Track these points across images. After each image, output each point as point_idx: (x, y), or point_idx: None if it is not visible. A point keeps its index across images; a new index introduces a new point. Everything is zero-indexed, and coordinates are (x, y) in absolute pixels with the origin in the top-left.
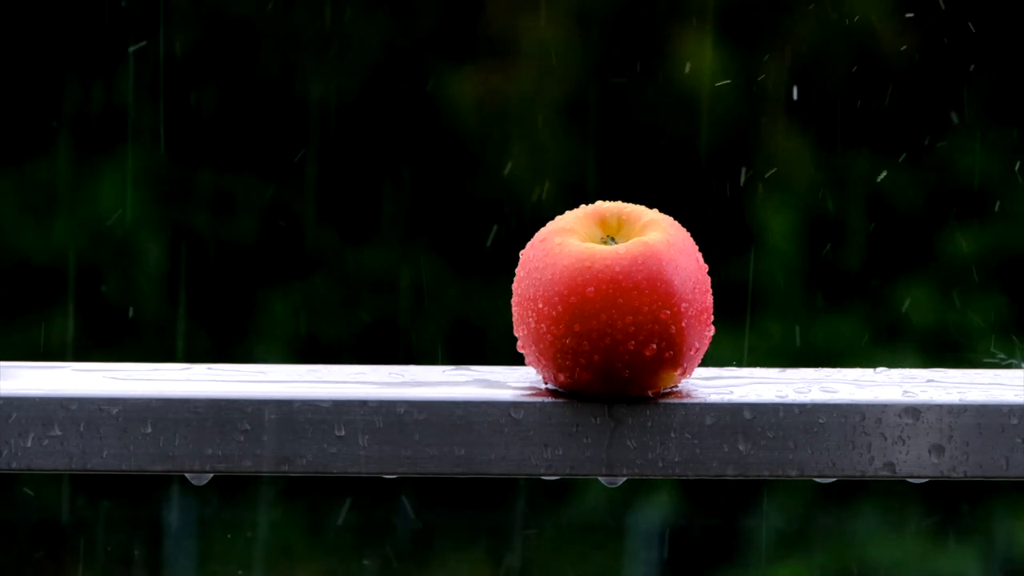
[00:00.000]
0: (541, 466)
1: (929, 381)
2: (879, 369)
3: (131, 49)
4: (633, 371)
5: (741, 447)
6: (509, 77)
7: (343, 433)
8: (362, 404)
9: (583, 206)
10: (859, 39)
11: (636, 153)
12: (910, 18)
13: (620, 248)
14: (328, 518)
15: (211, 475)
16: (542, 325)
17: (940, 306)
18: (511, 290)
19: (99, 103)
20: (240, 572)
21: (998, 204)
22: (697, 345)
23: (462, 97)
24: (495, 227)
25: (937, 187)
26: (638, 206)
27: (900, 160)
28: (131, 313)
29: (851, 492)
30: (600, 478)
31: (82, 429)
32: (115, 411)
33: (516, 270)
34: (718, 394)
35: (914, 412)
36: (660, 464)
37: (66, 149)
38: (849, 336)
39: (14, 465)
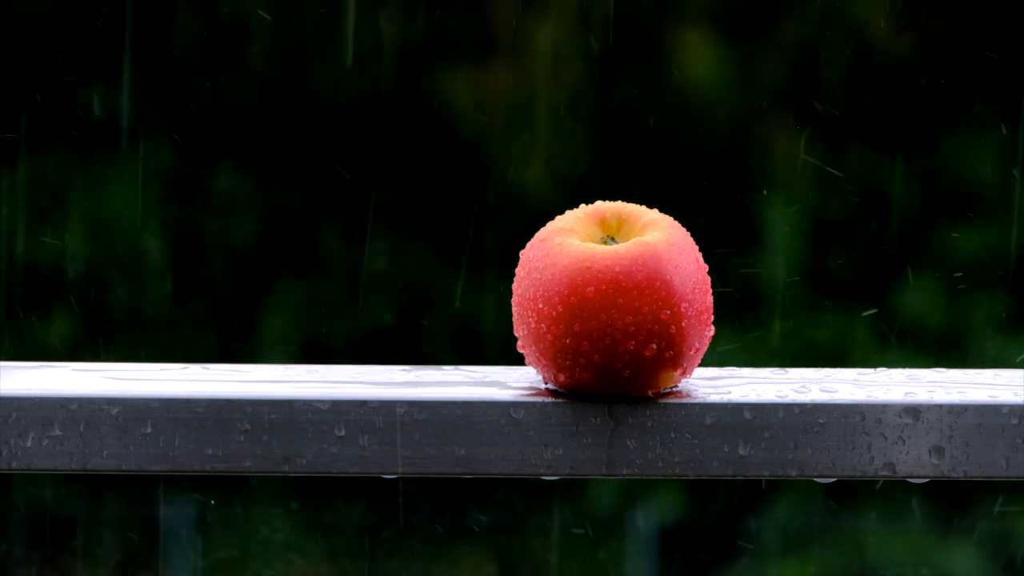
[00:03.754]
0: (541, 466)
1: (929, 381)
2: (879, 369)
3: (135, 49)
4: (633, 371)
5: (741, 447)
6: (509, 77)
7: (343, 433)
8: (362, 404)
9: (583, 206)
10: (860, 37)
11: (636, 153)
12: (911, 16)
13: (620, 248)
14: (328, 518)
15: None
16: (542, 325)
17: (940, 306)
18: (511, 290)
19: (103, 103)
20: (240, 572)
21: (999, 204)
22: (697, 345)
23: (462, 97)
24: (495, 227)
25: (938, 186)
26: (638, 206)
27: (901, 159)
28: (132, 313)
29: (852, 491)
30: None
31: (82, 429)
32: (115, 411)
33: (516, 270)
34: (718, 394)
35: (914, 412)
36: (660, 464)
37: (70, 149)
38: (849, 336)
39: (14, 465)
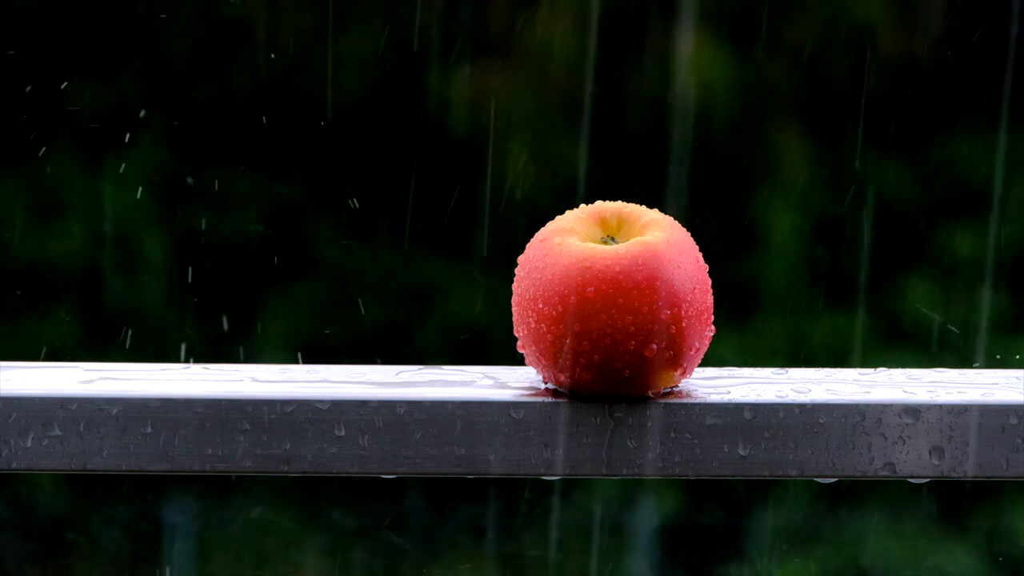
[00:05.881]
0: (541, 466)
1: (929, 381)
2: (879, 369)
3: (134, 48)
4: (633, 371)
5: (741, 447)
6: (508, 77)
7: (343, 433)
8: (362, 404)
9: (583, 206)
10: (861, 36)
11: (636, 153)
12: (912, 15)
13: (620, 248)
14: (328, 518)
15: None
16: (542, 325)
17: (941, 306)
18: (511, 290)
19: (102, 102)
20: (239, 572)
21: (999, 203)
22: (697, 345)
23: (461, 97)
24: (494, 227)
25: (939, 186)
26: (638, 206)
27: (902, 158)
28: (132, 313)
29: (853, 491)
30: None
31: (82, 429)
32: (115, 411)
33: (516, 270)
34: (718, 394)
35: (914, 412)
36: (660, 464)
37: (69, 149)
38: (849, 336)
39: (14, 465)
